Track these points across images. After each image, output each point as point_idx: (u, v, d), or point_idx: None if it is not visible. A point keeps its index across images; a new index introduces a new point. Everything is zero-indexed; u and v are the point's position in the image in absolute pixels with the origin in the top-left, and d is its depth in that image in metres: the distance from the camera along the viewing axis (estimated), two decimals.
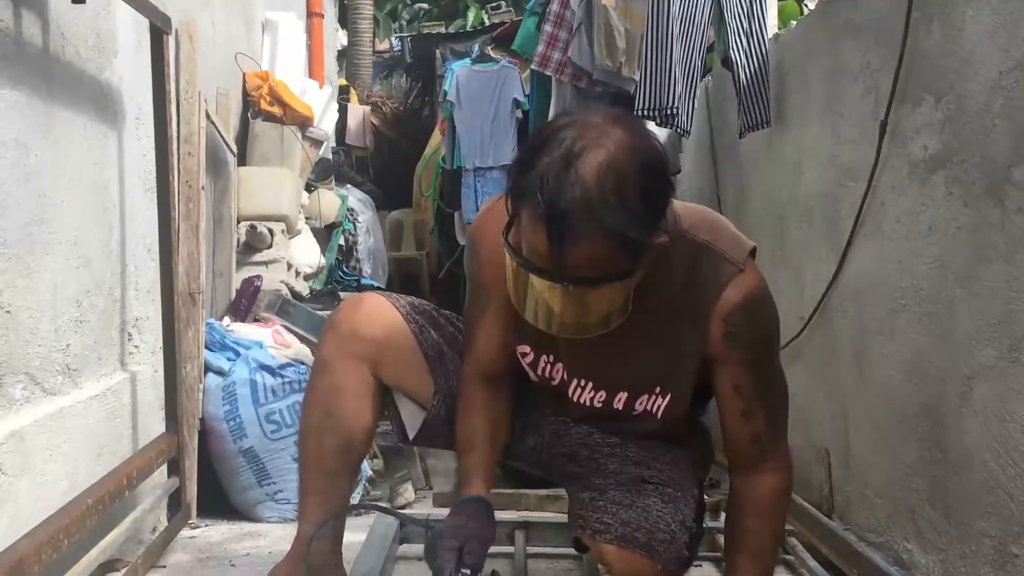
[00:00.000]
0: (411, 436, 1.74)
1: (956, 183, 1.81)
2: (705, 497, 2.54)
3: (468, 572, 1.40)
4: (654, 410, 1.56)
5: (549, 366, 1.58)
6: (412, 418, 1.73)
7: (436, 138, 6.15)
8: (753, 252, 1.48)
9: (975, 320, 1.74)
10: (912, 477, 1.98)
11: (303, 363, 2.77)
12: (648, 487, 1.56)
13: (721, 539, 2.12)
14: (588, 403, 1.58)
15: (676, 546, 1.50)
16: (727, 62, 3.03)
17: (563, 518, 2.24)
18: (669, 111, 2.91)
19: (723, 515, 2.50)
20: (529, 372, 1.61)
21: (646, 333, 1.46)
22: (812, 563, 2.03)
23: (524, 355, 1.59)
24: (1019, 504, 1.59)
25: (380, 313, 1.68)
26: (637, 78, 3.00)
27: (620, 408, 1.57)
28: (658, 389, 1.54)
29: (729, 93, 3.48)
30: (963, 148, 1.79)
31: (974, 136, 1.75)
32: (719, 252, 1.45)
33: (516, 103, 5.12)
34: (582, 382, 1.57)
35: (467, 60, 5.37)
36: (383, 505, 2.24)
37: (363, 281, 4.39)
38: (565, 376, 1.58)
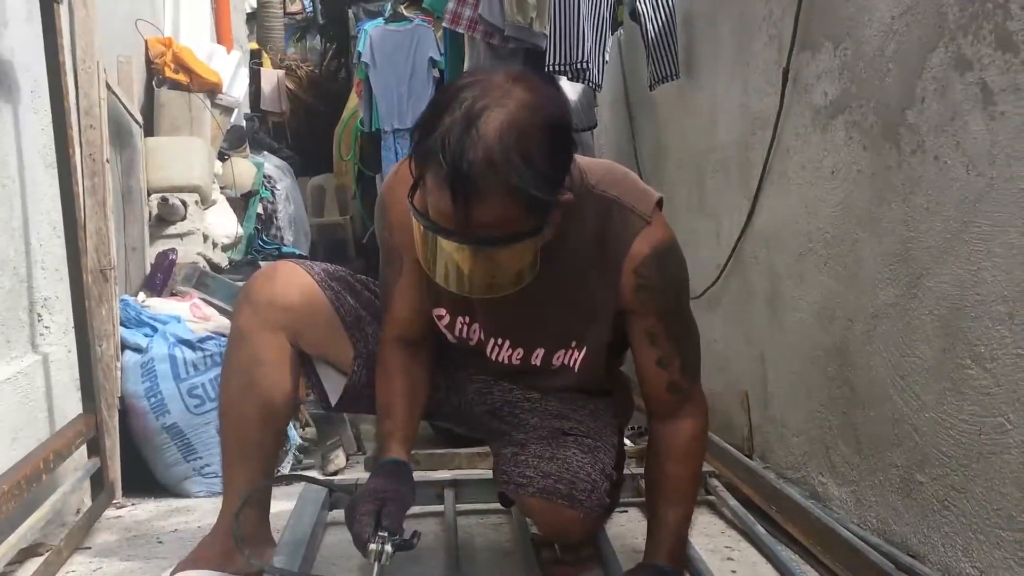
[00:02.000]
0: (333, 402, 1.74)
1: (855, 128, 1.86)
2: (628, 444, 2.60)
3: (386, 535, 1.41)
4: (571, 364, 1.59)
5: (466, 327, 1.59)
6: (333, 384, 1.73)
7: (353, 100, 6.06)
8: (660, 203, 1.50)
9: (876, 260, 1.80)
10: (825, 415, 2.05)
11: (224, 335, 2.72)
12: (568, 439, 1.60)
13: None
14: (507, 360, 1.61)
15: (597, 494, 1.55)
16: (635, 14, 3.04)
17: (491, 475, 2.28)
18: (579, 66, 2.92)
19: (644, 463, 2.57)
20: (447, 334, 1.62)
21: (559, 289, 1.49)
22: (733, 502, 2.10)
23: (440, 317, 1.60)
24: (922, 435, 1.66)
25: (295, 281, 1.67)
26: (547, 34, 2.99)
27: (538, 364, 1.60)
28: (574, 344, 1.57)
29: (639, 46, 3.50)
30: (860, 93, 1.84)
31: (870, 81, 1.80)
32: (626, 206, 1.47)
33: (432, 62, 5.07)
34: (499, 340, 1.59)
35: (380, 20, 5.29)
36: (309, 475, 2.23)
37: (284, 250, 4.33)
38: (482, 336, 1.59)
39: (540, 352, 1.59)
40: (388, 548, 1.40)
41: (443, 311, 1.59)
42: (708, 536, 1.99)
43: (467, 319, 1.58)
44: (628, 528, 2.05)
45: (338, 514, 2.15)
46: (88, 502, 2.27)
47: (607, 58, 3.09)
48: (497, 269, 1.33)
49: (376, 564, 1.40)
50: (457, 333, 1.61)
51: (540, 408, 1.66)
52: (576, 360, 1.58)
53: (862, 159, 1.84)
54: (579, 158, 1.41)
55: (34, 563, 1.84)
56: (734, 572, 1.79)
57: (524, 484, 1.56)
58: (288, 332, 1.65)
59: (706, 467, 2.34)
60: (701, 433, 1.60)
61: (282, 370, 1.67)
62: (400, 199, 1.41)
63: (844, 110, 1.90)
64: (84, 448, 2.22)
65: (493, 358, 1.61)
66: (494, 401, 1.71)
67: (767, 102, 2.28)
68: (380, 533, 1.41)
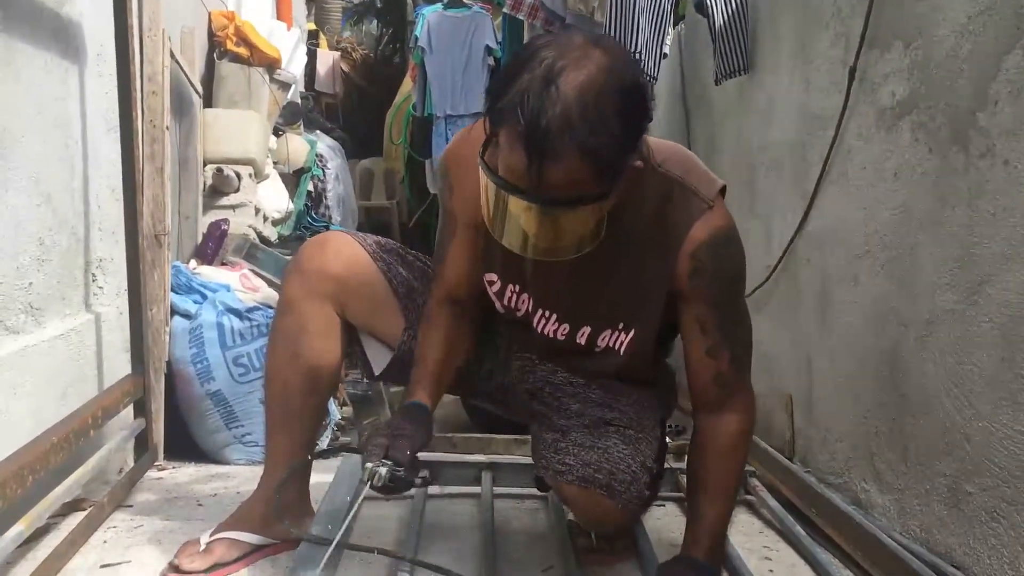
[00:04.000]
0: (376, 372, 1.75)
1: (922, 129, 1.83)
2: (668, 440, 2.58)
3: (389, 463, 1.40)
4: (616, 346, 1.57)
5: (515, 296, 1.59)
6: (378, 355, 1.74)
7: (407, 85, 6.08)
8: (723, 191, 1.48)
9: (936, 265, 1.76)
10: (871, 421, 2.02)
11: (271, 307, 2.75)
12: (610, 428, 1.59)
13: (684, 479, 2.16)
14: (552, 335, 1.60)
15: (637, 486, 1.54)
16: (701, 7, 3.02)
17: (529, 460, 2.27)
18: (633, 56, 2.90)
19: (687, 457, 2.55)
20: (495, 301, 1.62)
21: (614, 266, 1.48)
22: (773, 503, 2.08)
23: (491, 283, 1.60)
24: (973, 444, 1.63)
25: (345, 252, 1.68)
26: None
27: (583, 343, 1.59)
28: (622, 325, 1.55)
29: (702, 41, 3.47)
30: (930, 94, 1.80)
31: (941, 82, 1.76)
32: (690, 187, 1.45)
33: (488, 50, 5.06)
34: (547, 313, 1.59)
35: (439, 5, 5.29)
36: (351, 445, 2.23)
37: (332, 228, 4.37)
38: (530, 307, 1.59)
39: (587, 330, 1.58)
40: (383, 471, 1.39)
41: (495, 276, 1.59)
42: (746, 535, 1.97)
43: (517, 288, 1.58)
44: (665, 522, 2.04)
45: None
46: (131, 462, 2.30)
47: (666, 51, 3.06)
48: (561, 232, 1.32)
49: (368, 483, 1.40)
50: (506, 301, 1.60)
51: (583, 395, 1.65)
52: (622, 343, 1.57)
53: (927, 161, 1.80)
54: (647, 136, 1.39)
55: (77, 517, 1.87)
56: (771, 572, 1.78)
57: (563, 471, 1.55)
58: (336, 302, 1.66)
59: (747, 466, 2.32)
60: (746, 429, 1.57)
61: (328, 340, 1.67)
62: (464, 161, 1.41)
63: (911, 111, 1.87)
64: (131, 409, 2.26)
65: (539, 331, 1.60)
66: (536, 380, 1.70)
67: (829, 101, 2.24)
68: (384, 462, 1.40)
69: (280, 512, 1.62)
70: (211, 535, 1.72)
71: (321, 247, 1.69)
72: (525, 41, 3.56)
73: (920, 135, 1.83)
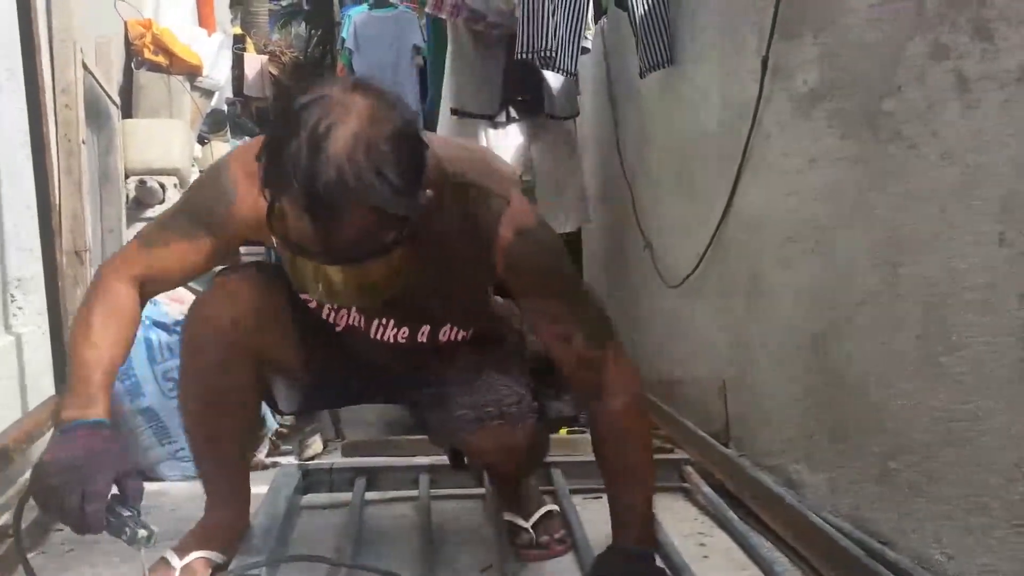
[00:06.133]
0: (284, 408, 1.75)
1: (835, 116, 1.86)
2: None
3: (135, 513, 1.30)
4: (459, 338, 1.61)
5: (334, 312, 1.59)
6: (285, 394, 1.73)
7: None
8: (518, 181, 1.53)
9: (857, 248, 1.80)
10: (803, 403, 2.06)
11: None
12: (481, 367, 1.63)
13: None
14: (392, 340, 1.60)
15: (525, 403, 1.60)
16: (622, 1, 3.04)
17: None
18: (546, 54, 2.91)
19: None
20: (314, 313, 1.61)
21: (436, 275, 1.48)
22: (707, 489, 2.10)
23: (307, 301, 1.58)
24: (897, 422, 1.67)
25: (245, 296, 1.62)
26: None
27: (424, 341, 1.60)
28: (459, 322, 1.59)
29: (624, 35, 3.50)
30: (839, 81, 1.84)
31: (849, 69, 1.80)
32: (487, 189, 1.47)
33: (416, 49, 5.05)
34: (383, 321, 1.58)
35: (364, 6, 5.26)
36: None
37: None
38: (362, 320, 1.58)
39: (426, 329, 1.59)
40: (151, 529, 1.31)
41: (309, 297, 1.56)
42: (681, 522, 1.99)
43: (336, 306, 1.56)
44: (602, 515, 2.05)
45: (312, 498, 2.15)
46: None
47: (587, 45, 3.08)
48: (370, 279, 1.33)
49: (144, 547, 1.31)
50: (326, 317, 1.59)
51: (448, 359, 1.66)
52: (464, 335, 1.61)
53: (842, 147, 1.84)
54: (434, 142, 1.38)
55: (5, 543, 1.82)
56: (706, 557, 1.80)
57: (460, 427, 1.59)
58: (243, 346, 1.61)
59: (681, 454, 2.35)
60: (634, 409, 1.54)
61: (247, 389, 1.65)
62: (251, 195, 1.37)
63: (824, 98, 1.90)
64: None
65: (377, 337, 1.60)
66: (399, 371, 1.72)
67: (748, 91, 2.28)
68: (125, 513, 1.30)
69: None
70: (181, 556, 1.66)
71: (221, 293, 1.63)
72: (449, 39, 3.54)
73: (834, 122, 1.87)
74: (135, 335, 1.50)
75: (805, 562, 1.73)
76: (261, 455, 2.70)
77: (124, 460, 1.35)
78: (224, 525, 1.72)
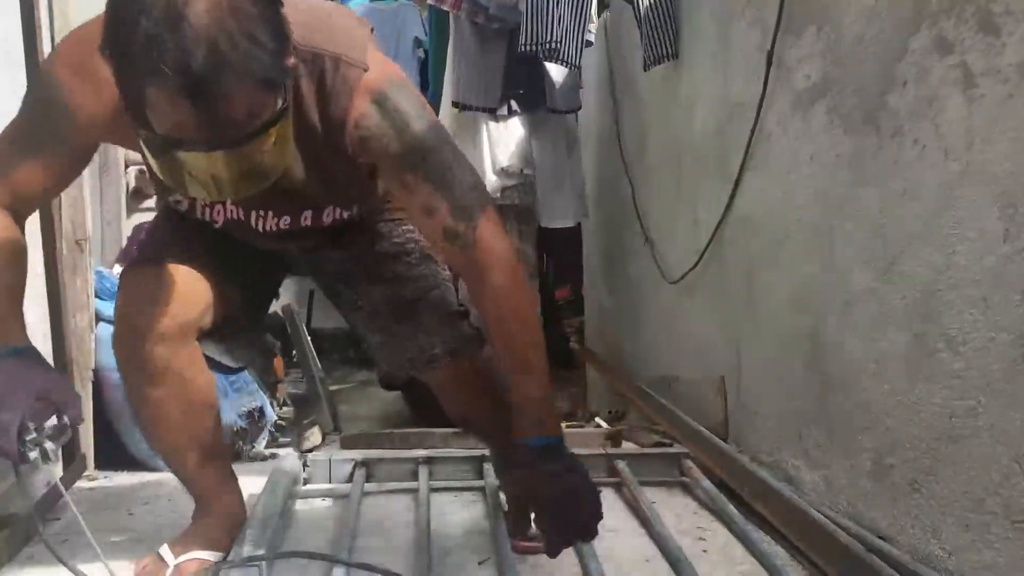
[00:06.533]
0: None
1: (836, 112, 1.86)
2: (607, 425, 2.60)
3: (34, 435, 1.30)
4: (345, 217, 1.59)
5: (209, 209, 1.53)
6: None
7: None
8: (369, 36, 1.42)
9: (852, 245, 1.80)
10: (798, 400, 2.06)
11: None
12: (417, 305, 1.66)
13: (620, 465, 2.19)
14: (275, 228, 1.55)
15: (463, 332, 1.65)
16: None
17: (465, 453, 2.28)
18: (550, 46, 2.91)
19: (625, 444, 2.58)
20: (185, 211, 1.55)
21: (305, 155, 1.42)
22: (706, 484, 2.11)
23: (177, 202, 1.53)
24: (893, 419, 1.67)
25: (152, 282, 1.57)
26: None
27: (309, 224, 1.55)
28: (340, 203, 1.55)
29: (626, 28, 3.50)
30: (842, 77, 1.84)
31: (851, 64, 1.80)
32: (338, 57, 1.37)
33: (417, 42, 5.03)
34: (261, 212, 1.53)
35: None
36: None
37: None
38: (239, 213, 1.52)
39: (308, 214, 1.54)
40: (49, 445, 1.32)
41: (180, 197, 1.50)
42: (680, 516, 1.99)
43: (209, 202, 1.50)
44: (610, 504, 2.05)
45: (311, 489, 2.15)
46: (59, 473, 2.25)
47: (590, 39, 3.08)
48: (257, 162, 1.20)
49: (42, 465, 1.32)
50: (199, 215, 1.54)
51: (372, 271, 1.67)
52: (348, 213, 1.57)
53: (841, 144, 1.84)
54: None
55: (2, 532, 1.82)
56: (705, 551, 1.80)
57: (410, 368, 1.64)
58: (183, 334, 1.58)
59: (680, 449, 2.35)
60: (513, 286, 1.46)
61: (202, 376, 1.64)
62: (90, 76, 1.29)
63: (825, 94, 1.90)
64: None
65: (260, 229, 1.55)
66: (328, 278, 1.75)
67: (749, 87, 2.28)
68: (27, 437, 1.30)
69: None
70: (178, 554, 1.65)
71: (137, 296, 1.57)
72: (451, 32, 3.54)
73: (834, 118, 1.87)
74: (26, 257, 1.48)
75: (804, 557, 1.73)
76: (260, 447, 2.71)
77: (36, 384, 1.33)
78: (219, 522, 1.72)
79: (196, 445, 1.67)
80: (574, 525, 1.43)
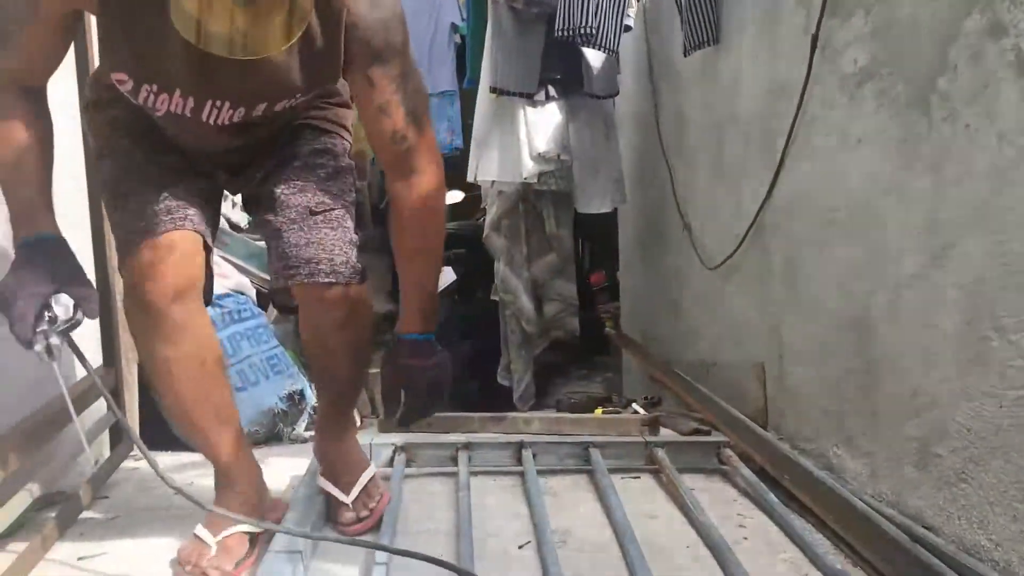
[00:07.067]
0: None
1: (884, 95, 1.84)
2: (643, 412, 2.60)
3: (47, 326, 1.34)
4: (298, 106, 1.60)
5: (153, 96, 1.49)
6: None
7: None
8: None
9: (901, 231, 1.78)
10: (841, 386, 2.04)
11: (242, 293, 2.74)
12: (318, 219, 1.67)
13: (659, 454, 2.19)
14: (225, 121, 1.54)
15: (351, 262, 1.67)
16: None
17: (504, 438, 2.29)
18: (585, 31, 2.89)
19: (663, 431, 2.58)
20: (129, 98, 1.53)
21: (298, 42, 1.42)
22: (746, 471, 2.10)
23: (120, 82, 1.49)
24: (941, 407, 1.65)
25: (177, 252, 1.58)
26: None
27: (260, 114, 1.55)
28: (299, 93, 1.54)
29: (665, 13, 3.47)
30: (891, 60, 1.81)
31: (901, 47, 1.77)
32: None
33: (454, 27, 5.02)
34: (217, 103, 1.51)
35: None
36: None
37: None
38: (192, 102, 1.49)
39: (262, 106, 1.54)
40: (54, 340, 1.36)
41: (124, 76, 1.46)
42: (720, 504, 1.99)
43: (154, 87, 1.47)
44: (637, 494, 2.05)
45: None
46: (107, 453, 2.29)
47: (628, 24, 3.05)
48: (266, 21, 1.24)
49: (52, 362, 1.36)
50: (140, 101, 1.50)
51: (288, 176, 1.69)
52: (302, 100, 1.58)
53: (890, 127, 1.81)
54: None
55: (53, 510, 1.86)
56: (746, 539, 1.79)
57: (292, 275, 1.64)
58: (193, 287, 1.59)
59: (719, 436, 2.34)
60: (434, 189, 1.62)
61: (209, 331, 1.66)
62: None
63: (873, 77, 1.87)
64: (103, 400, 2.24)
65: (209, 121, 1.53)
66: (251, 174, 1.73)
67: (793, 70, 2.25)
68: (39, 328, 1.34)
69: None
70: (216, 532, 1.65)
71: (151, 264, 1.55)
72: (489, 17, 3.53)
73: (883, 101, 1.84)
74: (52, 135, 1.50)
75: (847, 545, 1.72)
76: (300, 429, 2.73)
77: (58, 275, 1.39)
78: (246, 490, 1.72)
79: (212, 405, 1.67)
80: (432, 407, 1.71)
